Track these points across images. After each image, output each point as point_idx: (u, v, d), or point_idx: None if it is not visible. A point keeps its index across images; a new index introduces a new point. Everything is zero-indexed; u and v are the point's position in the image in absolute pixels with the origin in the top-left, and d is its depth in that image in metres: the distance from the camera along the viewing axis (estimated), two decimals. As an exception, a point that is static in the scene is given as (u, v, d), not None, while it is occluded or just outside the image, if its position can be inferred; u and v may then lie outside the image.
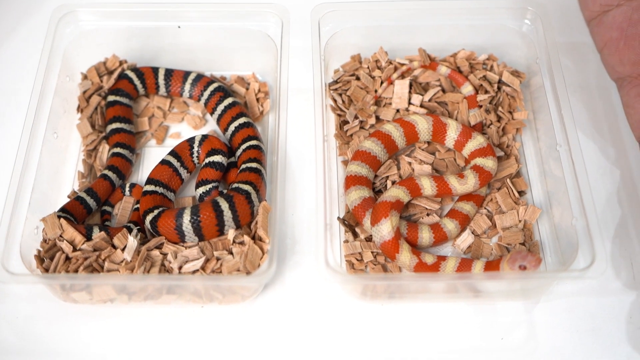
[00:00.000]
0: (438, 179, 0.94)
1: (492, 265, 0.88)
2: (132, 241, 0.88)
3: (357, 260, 0.92)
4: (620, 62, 0.93)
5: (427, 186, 0.94)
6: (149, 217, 0.91)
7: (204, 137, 0.98)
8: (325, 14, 1.00)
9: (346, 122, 1.01)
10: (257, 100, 1.04)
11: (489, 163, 0.95)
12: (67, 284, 0.85)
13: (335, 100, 1.02)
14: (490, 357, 0.87)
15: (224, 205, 0.90)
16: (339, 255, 0.92)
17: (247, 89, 1.05)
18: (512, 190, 0.96)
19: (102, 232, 0.89)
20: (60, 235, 0.88)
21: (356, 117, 1.01)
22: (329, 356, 0.87)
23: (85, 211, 0.94)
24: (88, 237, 0.89)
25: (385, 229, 0.90)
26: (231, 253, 0.89)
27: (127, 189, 0.97)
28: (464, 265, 0.89)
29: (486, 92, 1.02)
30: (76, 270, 0.86)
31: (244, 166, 0.95)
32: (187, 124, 1.04)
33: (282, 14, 0.99)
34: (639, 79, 0.96)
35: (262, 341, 0.87)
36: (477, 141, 0.97)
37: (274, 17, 1.00)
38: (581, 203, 0.86)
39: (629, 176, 0.99)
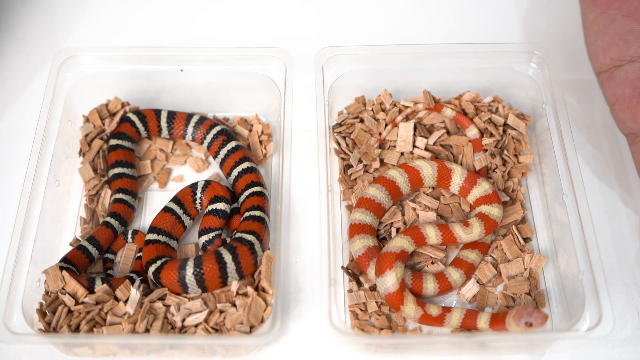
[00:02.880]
0: (443, 227, 0.93)
1: (497, 319, 0.87)
2: (134, 293, 0.87)
3: (361, 310, 0.91)
4: (633, 118, 0.92)
5: (432, 235, 0.93)
6: (152, 268, 0.90)
7: (207, 183, 0.97)
8: (330, 58, 0.99)
9: (350, 166, 1.00)
10: (260, 142, 1.03)
11: (494, 211, 0.94)
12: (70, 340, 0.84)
13: (339, 144, 1.01)
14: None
15: (227, 257, 0.89)
16: (343, 306, 0.91)
17: (250, 130, 1.04)
18: (518, 238, 0.95)
19: (105, 285, 0.88)
20: (63, 288, 0.88)
21: (360, 161, 1.00)
22: None
23: (88, 260, 0.93)
24: (90, 290, 0.88)
25: (389, 281, 0.89)
26: (234, 305, 0.88)
27: (129, 236, 0.96)
28: (470, 317, 0.89)
29: (491, 135, 1.01)
30: (78, 325, 0.85)
31: (247, 214, 0.94)
32: (189, 167, 1.03)
33: (285, 58, 0.98)
34: None
35: None
36: (482, 188, 0.96)
37: (277, 60, 0.99)
38: (587, 254, 0.85)
39: (635, 221, 0.98)
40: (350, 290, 0.92)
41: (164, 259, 0.90)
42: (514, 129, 1.01)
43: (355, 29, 1.15)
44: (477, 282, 0.93)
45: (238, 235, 0.92)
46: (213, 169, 1.03)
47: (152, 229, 0.94)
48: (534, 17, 1.15)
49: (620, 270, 0.94)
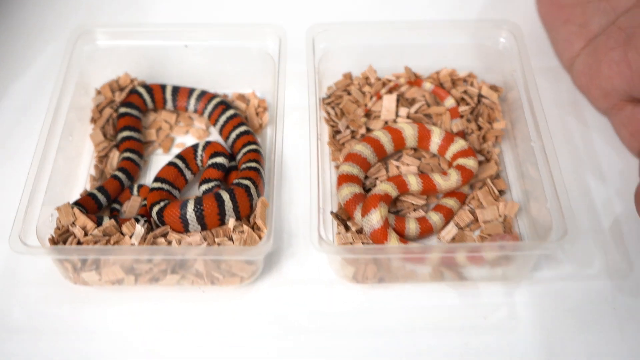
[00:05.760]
0: (423, 176, 1.02)
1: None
2: (139, 228, 0.95)
3: (349, 250, 0.99)
4: (595, 100, 1.04)
5: (414, 182, 1.01)
6: (156, 208, 0.98)
7: (207, 143, 1.06)
8: (319, 33, 1.10)
9: (338, 132, 1.10)
10: (257, 114, 1.13)
11: (470, 162, 1.03)
12: (78, 263, 0.91)
13: (328, 113, 1.11)
14: (474, 333, 0.92)
15: (225, 196, 0.97)
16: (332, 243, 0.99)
17: (247, 105, 1.14)
18: (493, 189, 1.03)
19: (112, 220, 0.96)
20: (73, 222, 0.95)
21: (347, 127, 1.10)
22: (320, 335, 0.92)
23: (97, 206, 1.01)
24: (99, 225, 0.96)
25: (374, 218, 0.97)
26: (231, 239, 0.96)
27: (135, 189, 1.05)
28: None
29: (467, 104, 1.11)
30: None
31: (243, 166, 1.03)
32: (191, 136, 1.12)
33: (280, 33, 1.09)
34: (615, 109, 1.07)
35: (260, 322, 0.93)
36: (459, 144, 1.05)
37: (272, 35, 1.10)
38: (556, 195, 0.94)
39: (599, 174, 1.07)
40: (338, 233, 1.00)
41: (167, 201, 0.99)
42: (487, 99, 1.11)
43: (346, 7, 1.27)
44: (456, 225, 1.01)
45: (236, 181, 1.00)
46: (213, 137, 1.12)
47: (157, 179, 1.02)
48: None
49: (587, 217, 1.02)
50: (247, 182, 0.99)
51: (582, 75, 1.11)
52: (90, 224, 0.95)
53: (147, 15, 1.26)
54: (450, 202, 1.02)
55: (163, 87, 1.13)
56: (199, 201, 0.97)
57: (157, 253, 0.90)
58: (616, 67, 1.04)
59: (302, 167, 1.06)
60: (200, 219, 0.96)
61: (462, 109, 1.10)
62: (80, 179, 1.06)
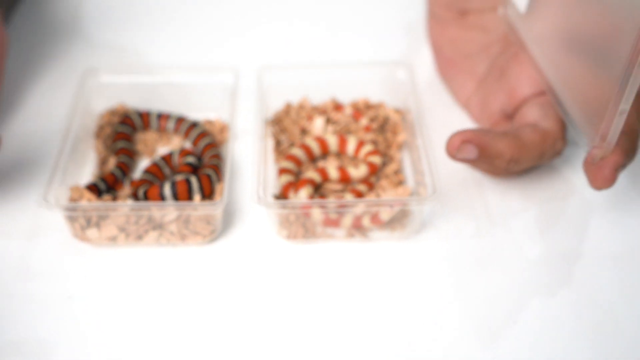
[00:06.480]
0: (340, 168, 1.37)
1: (375, 216, 1.30)
2: (130, 202, 1.30)
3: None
4: (484, 124, 1.45)
5: (333, 172, 1.37)
6: (141, 190, 1.33)
7: (182, 149, 1.42)
8: (266, 71, 1.48)
9: (280, 144, 1.46)
10: (220, 132, 1.49)
11: (375, 159, 1.38)
12: (84, 223, 1.25)
13: (273, 131, 1.48)
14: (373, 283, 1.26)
15: (193, 179, 1.32)
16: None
17: (212, 125, 1.50)
18: (393, 178, 1.39)
19: (109, 195, 1.31)
20: (80, 197, 1.30)
21: (287, 140, 1.46)
22: (254, 288, 1.24)
23: (98, 192, 1.35)
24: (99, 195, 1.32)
25: (302, 194, 1.32)
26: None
27: (126, 182, 1.40)
28: (356, 220, 1.31)
29: (377, 123, 1.48)
30: (89, 218, 1.27)
31: (208, 163, 1.39)
32: (170, 147, 1.48)
33: (236, 72, 1.48)
34: (495, 125, 1.42)
35: (220, 277, 1.27)
36: (368, 147, 1.41)
37: (230, 74, 1.47)
38: (431, 174, 1.29)
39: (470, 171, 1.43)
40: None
41: (149, 185, 1.34)
42: (392, 119, 1.49)
43: (287, 50, 1.66)
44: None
45: (202, 171, 1.36)
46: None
47: (143, 172, 1.37)
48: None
49: (461, 198, 1.38)
50: (210, 171, 1.35)
51: (476, 109, 1.47)
52: (93, 197, 1.30)
53: (140, 57, 1.63)
54: (361, 187, 1.37)
55: (149, 113, 1.50)
56: (173, 183, 1.32)
57: (142, 209, 1.25)
58: (495, 94, 1.42)
59: (252, 165, 1.42)
60: (174, 195, 1.31)
61: (373, 126, 1.48)
62: (84, 179, 1.41)
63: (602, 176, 1.16)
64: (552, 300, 1.21)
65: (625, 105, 1.09)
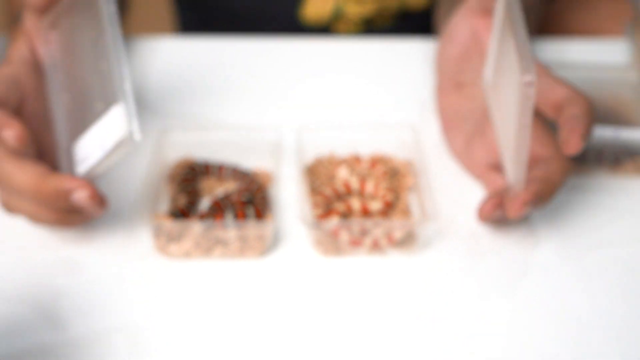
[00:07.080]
0: (361, 203, 1.75)
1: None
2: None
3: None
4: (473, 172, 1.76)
5: (355, 205, 1.71)
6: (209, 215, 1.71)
7: (239, 189, 1.81)
8: (305, 131, 1.87)
9: (314, 187, 1.84)
10: (267, 179, 1.88)
11: (389, 196, 1.70)
12: (167, 237, 1.62)
13: (308, 177, 1.86)
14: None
15: (249, 206, 1.71)
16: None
17: (260, 174, 1.90)
18: (403, 210, 1.76)
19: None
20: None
21: (319, 184, 1.85)
22: (297, 293, 1.46)
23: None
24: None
25: (333, 219, 1.68)
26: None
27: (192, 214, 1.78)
28: (375, 243, 1.67)
29: (389, 171, 1.86)
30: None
31: (257, 198, 1.77)
32: (226, 189, 1.87)
33: (278, 131, 1.87)
34: (483, 174, 1.60)
35: (272, 283, 1.55)
36: (383, 186, 1.76)
37: (273, 133, 1.87)
38: (432, 203, 1.67)
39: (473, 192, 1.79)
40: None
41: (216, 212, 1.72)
42: (401, 169, 1.87)
43: (321, 113, 1.96)
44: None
45: (254, 202, 1.74)
46: (239, 191, 1.87)
47: (209, 207, 1.76)
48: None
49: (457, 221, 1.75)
50: (260, 203, 1.73)
51: (466, 160, 1.73)
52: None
53: (203, 120, 1.97)
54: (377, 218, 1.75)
55: (210, 164, 1.88)
56: (234, 211, 1.69)
57: (211, 228, 1.62)
58: (479, 149, 1.80)
59: (293, 196, 1.74)
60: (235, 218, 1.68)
61: (387, 174, 1.86)
62: (161, 210, 1.79)
63: (513, 208, 1.38)
64: (558, 311, 1.37)
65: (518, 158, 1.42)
